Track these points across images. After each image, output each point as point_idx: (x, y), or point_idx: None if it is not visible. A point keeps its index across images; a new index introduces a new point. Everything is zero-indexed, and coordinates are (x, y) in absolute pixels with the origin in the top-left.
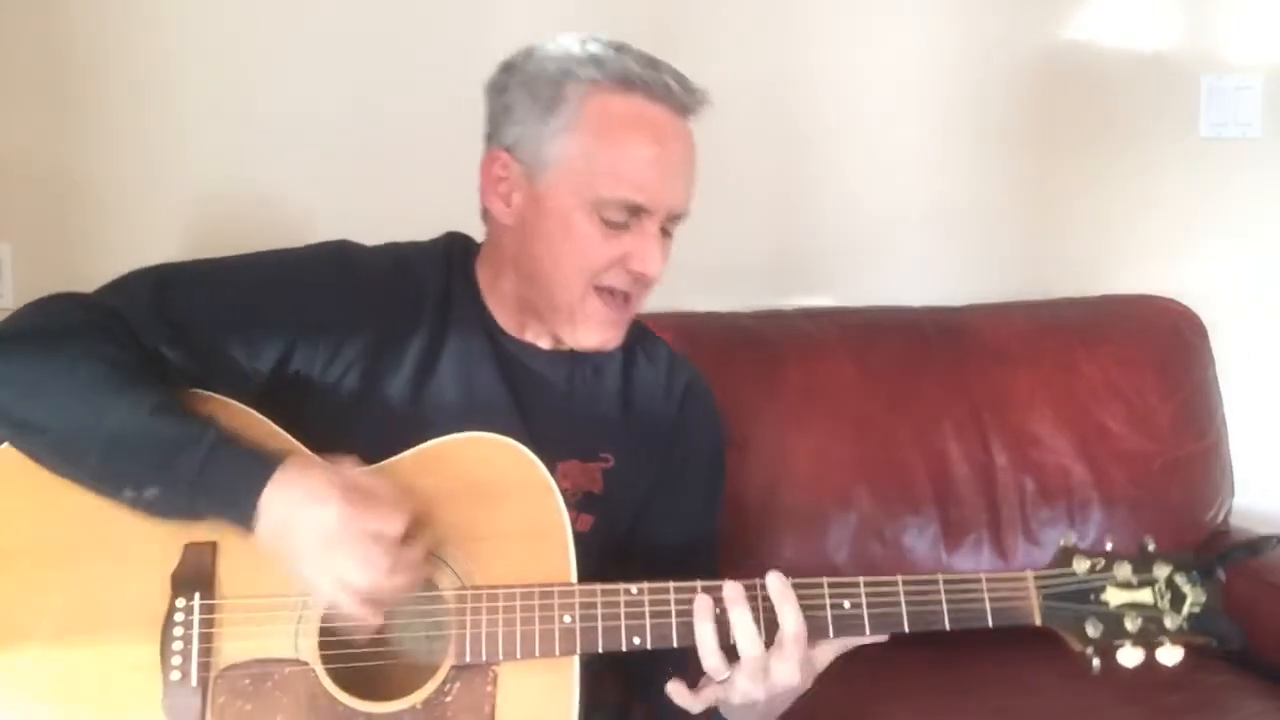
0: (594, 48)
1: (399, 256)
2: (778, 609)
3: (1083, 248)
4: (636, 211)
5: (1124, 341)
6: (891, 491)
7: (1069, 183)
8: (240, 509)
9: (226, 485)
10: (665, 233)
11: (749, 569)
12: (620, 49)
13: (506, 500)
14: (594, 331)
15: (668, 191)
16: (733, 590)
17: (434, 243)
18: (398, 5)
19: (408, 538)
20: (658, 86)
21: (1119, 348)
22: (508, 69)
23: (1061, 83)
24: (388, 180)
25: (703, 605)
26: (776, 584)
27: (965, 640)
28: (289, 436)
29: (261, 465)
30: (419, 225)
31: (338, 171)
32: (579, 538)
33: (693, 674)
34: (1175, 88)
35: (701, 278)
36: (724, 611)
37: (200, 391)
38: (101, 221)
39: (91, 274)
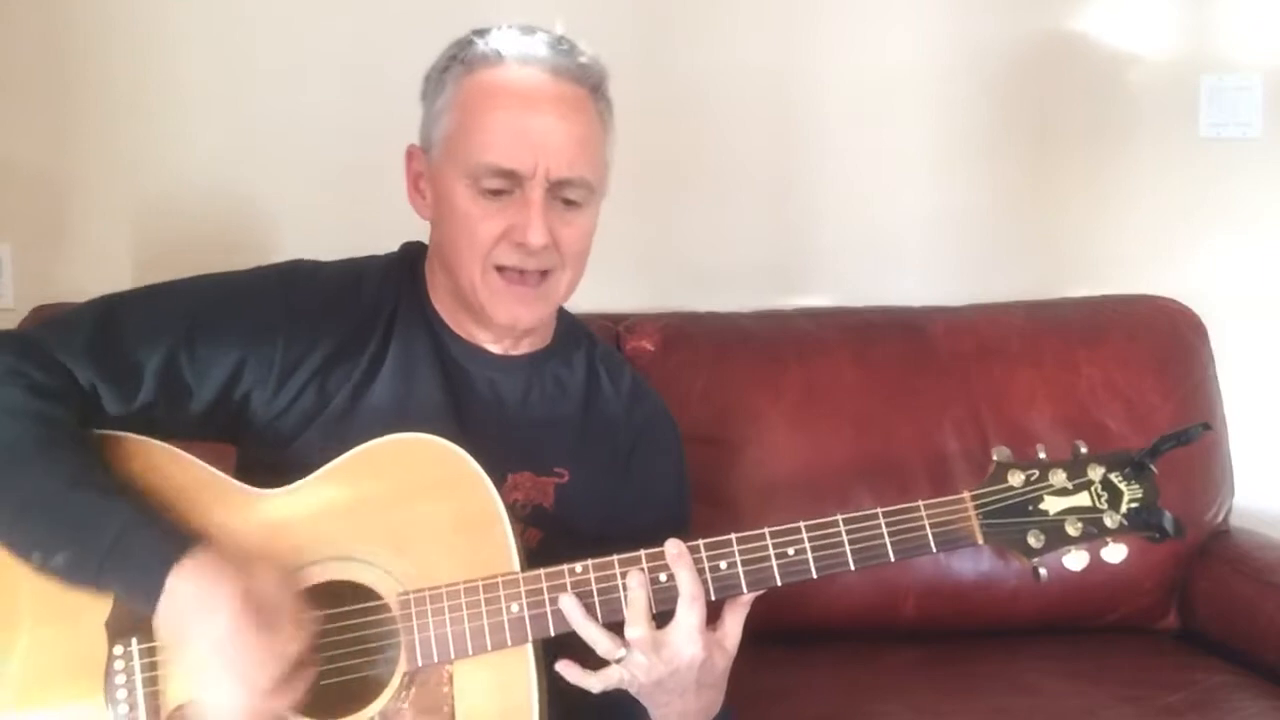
0: (488, 33)
1: (353, 271)
2: (675, 573)
3: (1083, 248)
4: (511, 177)
5: (1124, 341)
6: (891, 491)
7: (1069, 182)
8: (143, 593)
9: (134, 566)
10: (569, 203)
11: None
12: (506, 28)
13: (437, 496)
14: (500, 308)
15: (537, 152)
16: (635, 578)
17: (389, 255)
18: (396, 7)
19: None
20: (524, 52)
21: (1119, 348)
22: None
23: (1062, 82)
24: (392, 180)
25: (570, 602)
26: (673, 549)
27: (965, 640)
28: (227, 478)
29: (171, 551)
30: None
31: (338, 173)
32: (528, 553)
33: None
34: (1175, 88)
35: (701, 278)
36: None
37: (133, 438)
38: (101, 222)
39: (91, 274)
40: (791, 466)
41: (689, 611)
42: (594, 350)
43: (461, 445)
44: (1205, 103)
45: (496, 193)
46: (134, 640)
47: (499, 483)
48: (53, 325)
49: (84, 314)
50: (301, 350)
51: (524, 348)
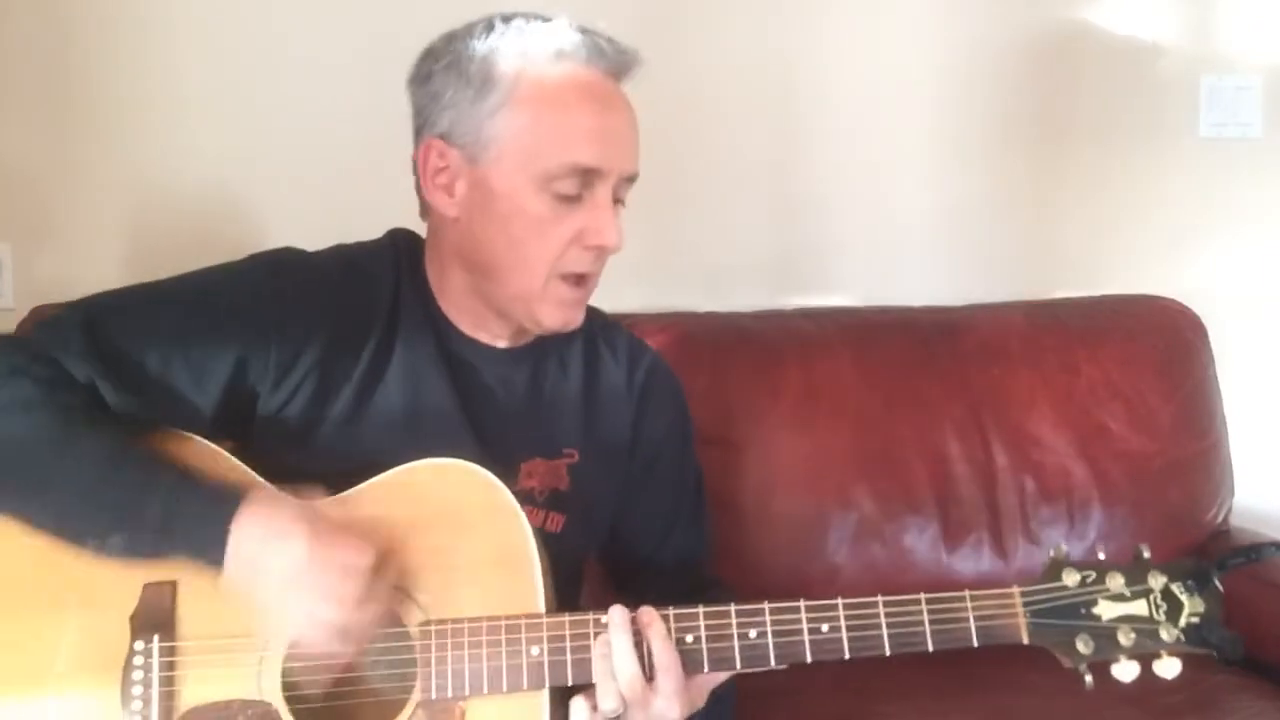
0: (519, 23)
1: (346, 259)
2: (650, 642)
3: (1083, 248)
4: (588, 177)
5: (1124, 341)
6: (891, 492)
7: (1069, 182)
8: (208, 551)
9: (192, 529)
10: (618, 201)
11: (748, 568)
12: (546, 19)
13: (473, 528)
14: (557, 314)
15: (617, 152)
16: (619, 614)
17: (379, 242)
18: (395, 8)
19: (376, 570)
20: (590, 51)
21: (1119, 348)
22: (429, 56)
23: (1062, 82)
24: (390, 181)
25: (596, 651)
26: (645, 617)
27: None
28: (247, 470)
29: (225, 504)
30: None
31: (339, 172)
32: (552, 539)
33: None
34: (1175, 88)
35: (701, 278)
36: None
37: (178, 434)
38: (101, 222)
39: (91, 274)
40: (792, 466)
41: (664, 678)
42: (589, 320)
43: (473, 444)
44: (1205, 103)
45: (567, 197)
46: (156, 637)
47: (513, 473)
48: (42, 327)
49: (70, 317)
50: (297, 343)
51: (528, 338)
